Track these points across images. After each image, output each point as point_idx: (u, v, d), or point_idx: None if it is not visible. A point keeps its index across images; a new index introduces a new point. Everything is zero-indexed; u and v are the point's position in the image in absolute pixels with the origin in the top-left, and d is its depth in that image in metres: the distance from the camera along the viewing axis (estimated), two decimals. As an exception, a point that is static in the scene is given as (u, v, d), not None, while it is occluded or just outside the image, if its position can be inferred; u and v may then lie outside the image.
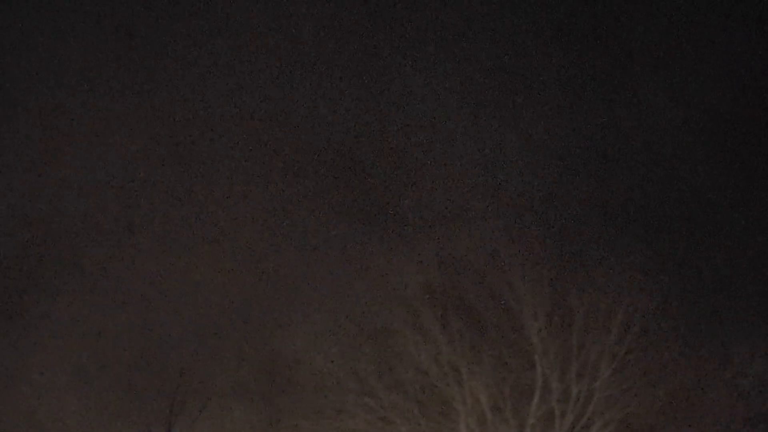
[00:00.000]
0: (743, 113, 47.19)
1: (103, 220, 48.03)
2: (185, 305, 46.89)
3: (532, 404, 41.35)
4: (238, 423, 43.75)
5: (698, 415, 42.22)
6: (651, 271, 42.22)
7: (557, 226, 43.36)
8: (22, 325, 45.96)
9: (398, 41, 49.17)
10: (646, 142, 47.35)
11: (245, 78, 49.11)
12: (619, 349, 41.55)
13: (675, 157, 47.32)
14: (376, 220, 47.86)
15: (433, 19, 49.25)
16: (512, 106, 48.38)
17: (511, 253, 42.41)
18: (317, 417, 42.99)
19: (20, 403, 44.45)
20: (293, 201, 48.65)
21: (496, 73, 48.61)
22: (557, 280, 42.01)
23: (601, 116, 47.39)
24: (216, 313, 46.66)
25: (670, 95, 47.61)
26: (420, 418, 41.89)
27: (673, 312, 42.22)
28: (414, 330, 42.85)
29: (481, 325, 42.50)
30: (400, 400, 42.30)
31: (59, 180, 47.69)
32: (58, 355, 45.66)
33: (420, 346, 42.55)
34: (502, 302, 42.49)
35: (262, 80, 49.14)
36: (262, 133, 48.39)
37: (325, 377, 43.37)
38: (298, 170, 48.42)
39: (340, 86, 48.83)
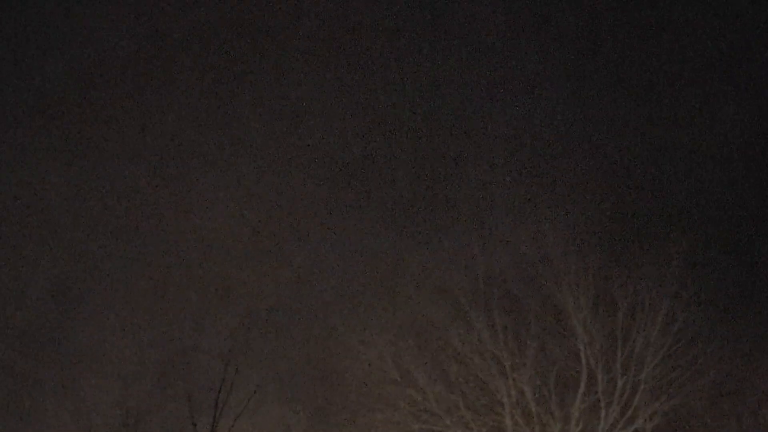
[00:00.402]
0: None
1: (160, 221, 48.53)
2: (232, 299, 47.12)
3: (577, 396, 41.28)
4: (283, 415, 43.89)
5: (744, 406, 42.14)
6: (696, 262, 42.12)
7: (603, 218, 43.27)
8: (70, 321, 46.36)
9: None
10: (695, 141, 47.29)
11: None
12: (665, 341, 41.44)
13: (720, 156, 47.25)
14: (419, 214, 47.95)
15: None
16: (559, 99, 48.40)
17: (556, 246, 42.36)
18: (362, 409, 43.09)
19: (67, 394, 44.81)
20: (341, 202, 48.91)
21: (536, 63, 48.63)
22: (602, 271, 41.94)
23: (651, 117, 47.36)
24: (263, 308, 46.87)
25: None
26: (465, 411, 41.89)
27: (719, 303, 42.11)
28: (458, 323, 42.87)
29: (525, 317, 42.49)
30: (445, 392, 42.32)
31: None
32: (104, 349, 46.01)
33: (464, 339, 42.57)
34: (547, 294, 42.47)
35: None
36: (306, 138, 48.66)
37: (370, 370, 43.43)
38: (344, 174, 48.67)
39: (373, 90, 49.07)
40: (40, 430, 44.55)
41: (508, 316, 42.36)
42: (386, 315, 44.48)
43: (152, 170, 48.69)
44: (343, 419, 43.51)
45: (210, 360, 42.79)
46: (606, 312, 41.79)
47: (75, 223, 48.51)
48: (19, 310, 47.44)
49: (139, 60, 50.02)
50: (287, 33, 49.94)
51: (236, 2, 49.86)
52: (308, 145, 49.54)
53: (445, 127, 49.16)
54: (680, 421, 41.65)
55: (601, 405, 41.13)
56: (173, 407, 41.16)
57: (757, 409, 42.42)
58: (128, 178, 49.24)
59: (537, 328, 42.20)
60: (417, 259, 46.33)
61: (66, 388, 44.98)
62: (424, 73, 49.37)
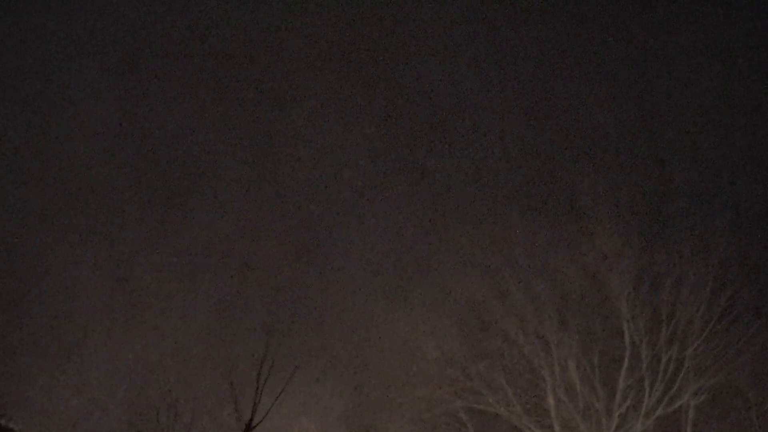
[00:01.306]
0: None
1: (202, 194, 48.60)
2: (276, 271, 47.17)
3: (621, 373, 41.04)
4: (325, 391, 43.83)
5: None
6: (741, 240, 41.72)
7: (647, 194, 42.88)
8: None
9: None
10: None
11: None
12: (709, 318, 41.11)
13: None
14: (456, 193, 47.76)
15: None
16: (605, 74, 48.06)
17: (600, 221, 42.06)
18: (404, 387, 42.99)
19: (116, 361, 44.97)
20: (381, 183, 48.91)
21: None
22: (646, 248, 41.62)
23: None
24: (307, 280, 46.83)
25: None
26: (507, 389, 41.71)
27: (763, 280, 41.72)
28: (500, 300, 42.67)
29: (568, 294, 42.24)
30: (487, 369, 42.16)
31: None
32: (145, 321, 46.20)
33: (506, 316, 42.36)
34: (590, 270, 42.19)
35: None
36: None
37: (410, 348, 43.32)
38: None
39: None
40: (86, 396, 44.71)
41: (550, 293, 42.12)
42: (426, 293, 44.33)
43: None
44: (383, 397, 43.41)
45: (250, 340, 42.85)
46: (650, 289, 41.48)
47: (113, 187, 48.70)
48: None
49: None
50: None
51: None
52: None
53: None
54: (724, 398, 41.29)
55: (646, 382, 40.85)
56: (214, 386, 41.27)
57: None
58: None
59: (580, 304, 41.95)
60: (455, 235, 46.14)
61: (105, 356, 45.17)
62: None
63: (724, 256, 41.36)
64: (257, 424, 17.60)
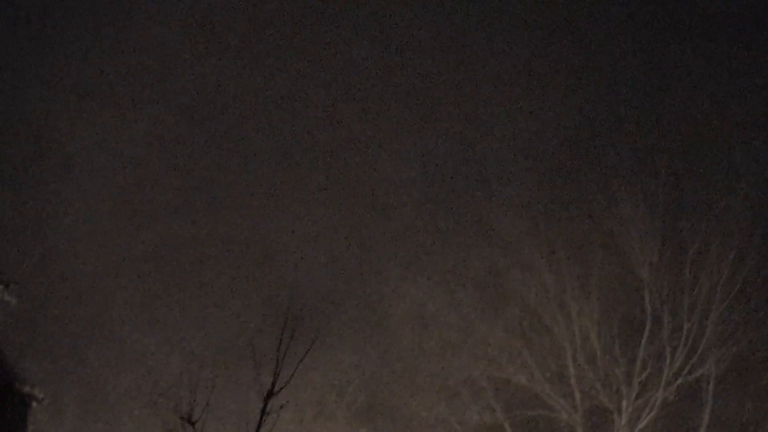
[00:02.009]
0: None
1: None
2: (297, 247, 47.18)
3: (642, 341, 40.82)
4: (345, 362, 43.76)
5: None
6: (765, 208, 41.34)
7: (671, 162, 42.52)
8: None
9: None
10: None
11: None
12: (732, 286, 40.80)
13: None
14: (474, 159, 47.57)
15: None
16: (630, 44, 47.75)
17: (623, 188, 41.76)
18: (423, 356, 42.87)
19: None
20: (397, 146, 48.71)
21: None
22: (669, 215, 41.33)
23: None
24: (328, 257, 46.78)
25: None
26: (527, 356, 41.55)
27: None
28: (520, 269, 42.44)
29: (589, 262, 41.98)
30: (507, 338, 41.98)
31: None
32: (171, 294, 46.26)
33: (527, 284, 42.16)
34: (612, 238, 41.92)
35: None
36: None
37: (430, 317, 43.20)
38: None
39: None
40: (124, 361, 44.82)
41: (572, 260, 41.87)
42: (445, 262, 44.13)
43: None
44: (402, 366, 43.30)
45: (269, 308, 42.76)
46: (673, 257, 41.19)
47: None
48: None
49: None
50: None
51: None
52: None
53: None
54: (746, 366, 41.04)
55: (667, 350, 40.62)
56: (236, 354, 41.25)
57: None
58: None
59: (602, 272, 41.70)
60: (474, 204, 45.94)
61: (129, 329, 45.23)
62: None
63: (749, 225, 41.06)
64: (278, 392, 17.42)
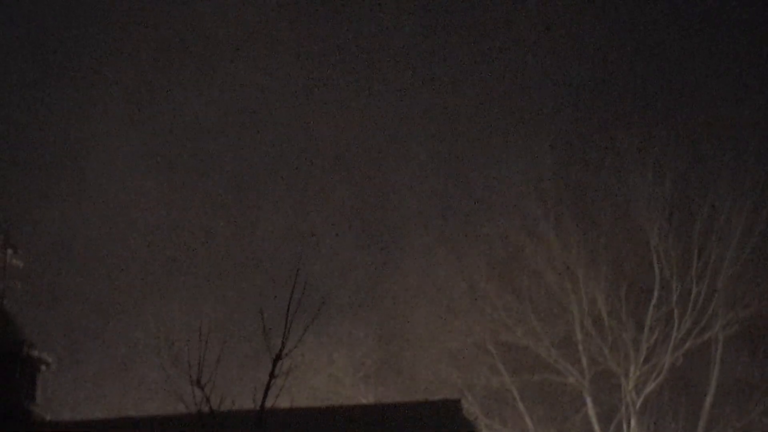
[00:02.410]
0: None
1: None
2: (299, 216, 47.21)
3: (650, 306, 40.80)
4: (354, 325, 43.82)
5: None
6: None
7: (681, 126, 42.38)
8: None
9: None
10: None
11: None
12: (741, 252, 40.74)
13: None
14: (486, 127, 47.52)
15: None
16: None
17: (632, 154, 41.66)
18: (432, 321, 42.93)
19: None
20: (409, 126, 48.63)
21: None
22: (679, 179, 41.21)
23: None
24: (336, 215, 46.78)
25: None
26: (534, 321, 41.56)
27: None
28: (528, 235, 42.43)
29: (597, 227, 41.93)
30: (514, 303, 42.01)
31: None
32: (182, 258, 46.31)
33: (535, 250, 42.14)
34: (621, 203, 41.87)
35: None
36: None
37: (440, 283, 43.22)
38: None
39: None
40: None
41: (580, 226, 41.83)
42: (455, 228, 44.16)
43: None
44: (411, 331, 43.38)
45: (280, 272, 42.83)
46: (682, 221, 41.12)
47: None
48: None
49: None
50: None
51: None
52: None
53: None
54: (754, 330, 41.01)
55: (675, 314, 40.60)
56: (245, 317, 41.35)
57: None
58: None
59: (610, 237, 41.65)
60: (485, 172, 45.89)
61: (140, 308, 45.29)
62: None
63: (760, 190, 40.93)
64: (286, 355, 17.41)
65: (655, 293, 40.82)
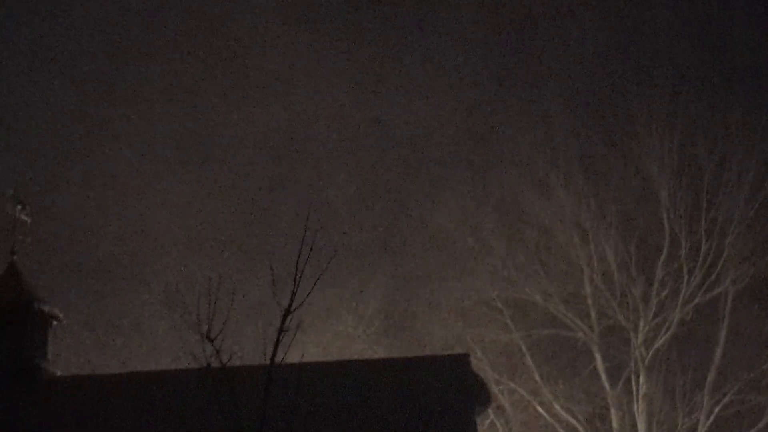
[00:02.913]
0: None
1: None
2: (307, 168, 47.18)
3: (659, 261, 40.80)
4: (360, 284, 43.87)
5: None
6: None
7: (690, 79, 42.23)
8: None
9: None
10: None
11: None
12: (751, 206, 40.69)
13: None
14: (496, 73, 47.34)
15: None
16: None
17: (639, 104, 41.54)
18: (440, 277, 43.00)
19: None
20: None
21: None
22: (688, 133, 41.10)
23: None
24: (347, 177, 46.77)
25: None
26: (543, 277, 41.60)
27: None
28: (538, 189, 42.41)
29: (607, 182, 41.90)
30: (523, 258, 42.03)
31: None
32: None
33: (544, 205, 42.13)
34: (630, 158, 41.78)
35: None
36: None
37: (448, 239, 43.23)
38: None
39: None
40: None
41: (589, 181, 41.80)
42: (464, 183, 44.12)
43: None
44: (420, 287, 43.45)
45: (288, 226, 42.87)
46: (691, 176, 41.04)
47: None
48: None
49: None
50: None
51: None
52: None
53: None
54: (764, 285, 41.03)
55: (684, 270, 40.59)
56: (253, 272, 41.41)
57: None
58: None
59: (620, 192, 41.63)
60: (493, 124, 45.83)
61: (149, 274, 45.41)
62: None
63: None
64: (295, 309, 17.46)
65: (665, 248, 40.81)
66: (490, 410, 33.56)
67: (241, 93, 49.09)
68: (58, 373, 27.25)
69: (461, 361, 25.69)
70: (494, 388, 38.88)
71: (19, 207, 27.76)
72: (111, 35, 50.40)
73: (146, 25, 49.94)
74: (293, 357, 18.21)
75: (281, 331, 17.46)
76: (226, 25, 49.75)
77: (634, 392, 40.46)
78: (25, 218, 27.79)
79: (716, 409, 39.91)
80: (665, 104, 41.36)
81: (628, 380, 40.74)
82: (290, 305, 17.56)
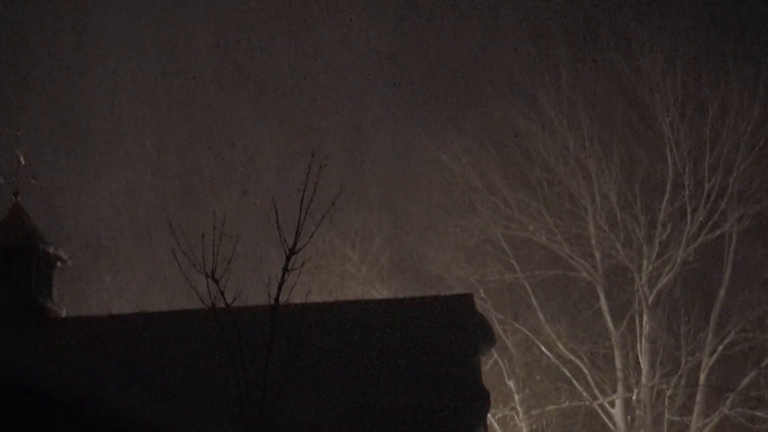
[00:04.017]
0: None
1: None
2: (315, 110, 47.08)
3: (663, 201, 40.77)
4: (365, 221, 43.88)
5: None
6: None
7: (693, 13, 41.92)
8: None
9: None
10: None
11: None
12: (755, 144, 40.58)
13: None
14: (502, 13, 47.00)
15: None
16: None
17: (643, 45, 41.28)
18: (444, 215, 42.98)
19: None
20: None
21: None
22: (691, 71, 40.89)
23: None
24: (352, 107, 46.63)
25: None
26: (547, 217, 41.58)
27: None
28: (541, 128, 42.29)
29: (610, 121, 41.78)
30: (527, 198, 42.00)
31: None
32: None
33: (547, 144, 42.04)
34: (633, 96, 41.62)
35: None
36: None
37: (451, 177, 43.17)
38: None
39: None
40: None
41: (592, 121, 41.65)
42: (468, 122, 43.97)
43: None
44: (425, 225, 43.45)
45: (294, 160, 42.92)
46: (694, 114, 40.92)
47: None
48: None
49: None
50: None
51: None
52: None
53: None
54: (767, 224, 40.98)
55: (688, 209, 40.56)
56: (259, 211, 41.49)
57: None
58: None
59: (623, 131, 41.52)
60: (499, 61, 45.57)
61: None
62: None
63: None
64: (299, 249, 17.47)
65: (668, 188, 40.75)
66: (493, 350, 33.62)
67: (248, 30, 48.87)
68: (63, 314, 27.33)
69: (465, 301, 25.75)
70: (498, 328, 38.94)
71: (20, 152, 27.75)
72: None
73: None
74: (298, 297, 18.23)
75: (285, 270, 17.47)
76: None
77: (638, 332, 40.56)
78: (23, 162, 27.75)
79: (720, 348, 40.02)
80: (667, 41, 41.17)
81: (632, 320, 40.84)
82: (294, 245, 17.56)
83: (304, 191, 17.27)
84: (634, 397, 40.14)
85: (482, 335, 24.62)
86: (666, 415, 40.07)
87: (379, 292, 42.34)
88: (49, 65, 48.24)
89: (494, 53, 45.85)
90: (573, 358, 40.80)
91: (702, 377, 40.06)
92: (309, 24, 48.68)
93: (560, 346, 40.82)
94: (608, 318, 41.00)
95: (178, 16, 48.97)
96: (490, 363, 39.49)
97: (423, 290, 40.67)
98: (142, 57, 48.62)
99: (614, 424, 40.52)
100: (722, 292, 40.35)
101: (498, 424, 40.37)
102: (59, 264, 27.43)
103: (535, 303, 41.24)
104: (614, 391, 40.73)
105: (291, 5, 48.67)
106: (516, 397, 40.77)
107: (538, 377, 41.60)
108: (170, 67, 48.63)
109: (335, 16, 48.27)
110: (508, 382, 40.72)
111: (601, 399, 40.53)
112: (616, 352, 40.79)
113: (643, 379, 40.17)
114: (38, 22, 48.62)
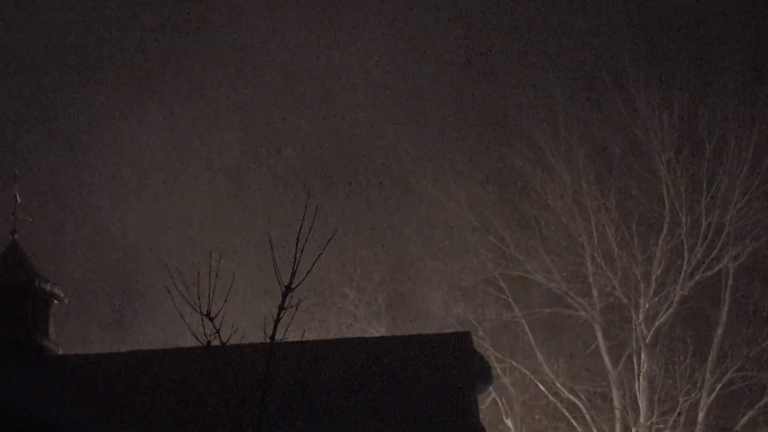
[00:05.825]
0: None
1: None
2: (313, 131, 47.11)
3: (660, 238, 40.79)
4: (363, 259, 43.83)
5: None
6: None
7: (691, 55, 42.08)
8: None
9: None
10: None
11: None
12: (751, 182, 40.64)
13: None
14: (495, 50, 47.18)
15: None
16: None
17: (639, 84, 41.44)
18: (441, 255, 42.97)
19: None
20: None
21: None
22: (687, 110, 41.02)
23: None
24: (346, 147, 46.65)
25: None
26: (544, 255, 41.59)
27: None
28: (538, 166, 42.36)
29: (607, 158, 41.87)
30: (525, 237, 42.02)
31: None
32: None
33: (545, 184, 42.09)
34: (630, 135, 41.75)
35: None
36: None
37: (449, 216, 43.22)
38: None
39: None
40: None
41: (589, 159, 41.76)
42: (465, 160, 44.02)
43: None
44: (421, 265, 43.41)
45: (288, 202, 42.96)
46: (691, 152, 41.01)
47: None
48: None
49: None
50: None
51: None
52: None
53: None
54: (764, 261, 41.01)
55: (685, 246, 40.58)
56: (254, 247, 41.51)
57: None
58: None
59: (620, 169, 41.62)
60: (493, 99, 45.70)
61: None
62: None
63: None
64: (296, 287, 17.41)
65: (665, 225, 40.80)
66: (491, 388, 33.51)
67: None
68: (60, 352, 27.27)
69: (463, 339, 25.71)
70: (496, 367, 38.90)
71: (16, 186, 27.80)
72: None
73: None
74: (294, 335, 18.18)
75: (281, 308, 17.41)
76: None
77: (636, 370, 40.47)
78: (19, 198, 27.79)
79: (718, 387, 39.92)
80: (664, 80, 41.32)
81: (630, 358, 40.75)
82: (290, 282, 17.50)
83: (300, 227, 17.23)
84: (632, 437, 40.03)
85: (480, 373, 24.59)
86: (664, 454, 39.95)
87: (377, 329, 42.27)
88: (47, 104, 48.36)
89: (492, 95, 46.00)
90: (571, 396, 40.70)
91: (700, 416, 39.95)
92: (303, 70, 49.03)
93: (558, 384, 40.74)
94: (606, 357, 40.93)
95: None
96: (488, 401, 39.39)
97: (421, 329, 40.59)
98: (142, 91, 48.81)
99: (613, 463, 40.39)
100: (720, 331, 40.30)
101: (496, 463, 40.24)
102: (56, 302, 27.40)
103: (532, 341, 41.19)
104: (612, 431, 40.59)
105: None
106: (514, 435, 40.67)
107: (536, 416, 41.48)
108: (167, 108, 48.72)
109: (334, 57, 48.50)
110: (506, 420, 40.62)
111: (599, 438, 40.42)
112: (614, 391, 40.69)
113: (641, 419, 40.06)
114: (35, 63, 48.80)
